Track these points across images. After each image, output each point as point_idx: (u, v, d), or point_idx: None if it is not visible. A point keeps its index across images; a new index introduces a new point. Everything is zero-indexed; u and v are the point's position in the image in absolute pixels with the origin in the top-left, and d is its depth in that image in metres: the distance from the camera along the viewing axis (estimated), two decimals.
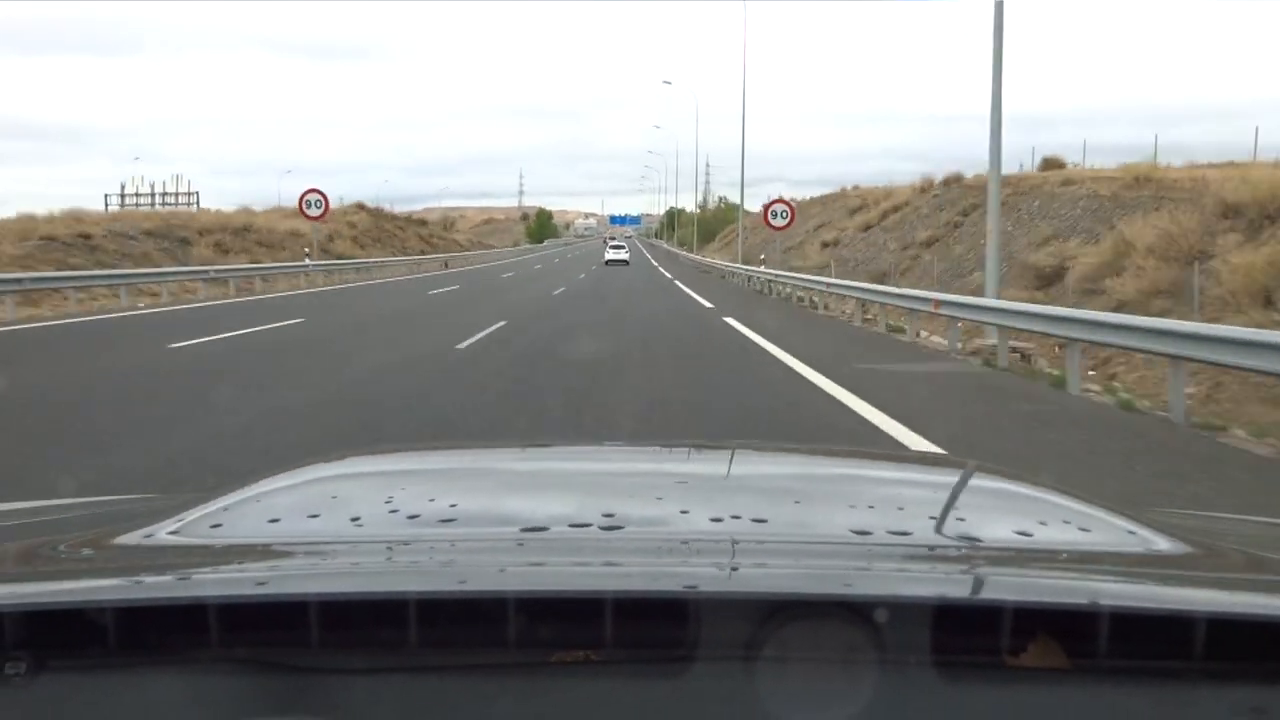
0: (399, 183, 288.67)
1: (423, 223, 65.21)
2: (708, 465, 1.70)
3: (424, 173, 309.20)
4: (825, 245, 36.37)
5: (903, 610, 0.81)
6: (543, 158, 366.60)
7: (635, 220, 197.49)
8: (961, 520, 1.23)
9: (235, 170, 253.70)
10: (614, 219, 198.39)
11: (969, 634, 0.81)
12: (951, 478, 1.59)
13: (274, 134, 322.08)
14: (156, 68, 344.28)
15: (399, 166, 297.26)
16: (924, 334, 15.05)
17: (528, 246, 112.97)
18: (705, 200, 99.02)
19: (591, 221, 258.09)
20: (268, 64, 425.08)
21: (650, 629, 0.81)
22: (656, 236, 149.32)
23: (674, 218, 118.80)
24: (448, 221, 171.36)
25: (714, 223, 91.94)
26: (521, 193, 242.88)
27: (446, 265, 49.94)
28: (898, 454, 3.08)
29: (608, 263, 56.23)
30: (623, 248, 63.03)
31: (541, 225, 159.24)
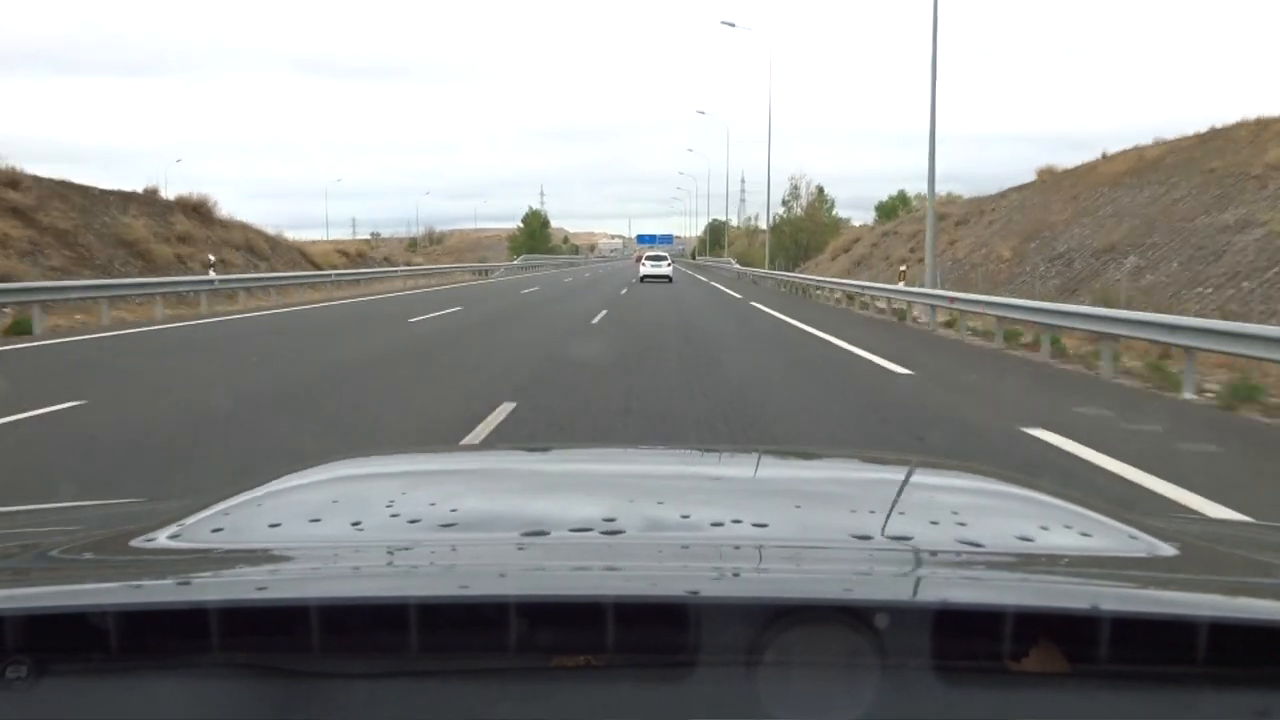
0: (431, 205, 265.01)
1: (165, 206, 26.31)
2: (708, 469, 1.70)
3: (455, 195, 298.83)
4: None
5: (904, 615, 0.81)
6: (572, 181, 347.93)
7: (667, 239, 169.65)
8: (963, 525, 1.21)
9: (265, 194, 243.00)
10: (642, 238, 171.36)
11: (970, 639, 0.81)
12: (953, 481, 1.59)
13: (304, 157, 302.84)
14: (187, 89, 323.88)
15: (431, 189, 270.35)
16: None
17: (492, 265, 62.56)
18: (795, 194, 63.45)
19: (617, 243, 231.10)
20: (298, 85, 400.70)
21: (651, 634, 0.81)
22: (693, 257, 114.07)
23: (718, 233, 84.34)
24: (434, 237, 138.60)
25: (813, 230, 56.54)
26: (544, 210, 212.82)
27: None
28: (898, 457, 2.93)
29: (644, 279, 43.36)
30: (664, 259, 48.31)
31: (531, 235, 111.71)
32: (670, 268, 46.48)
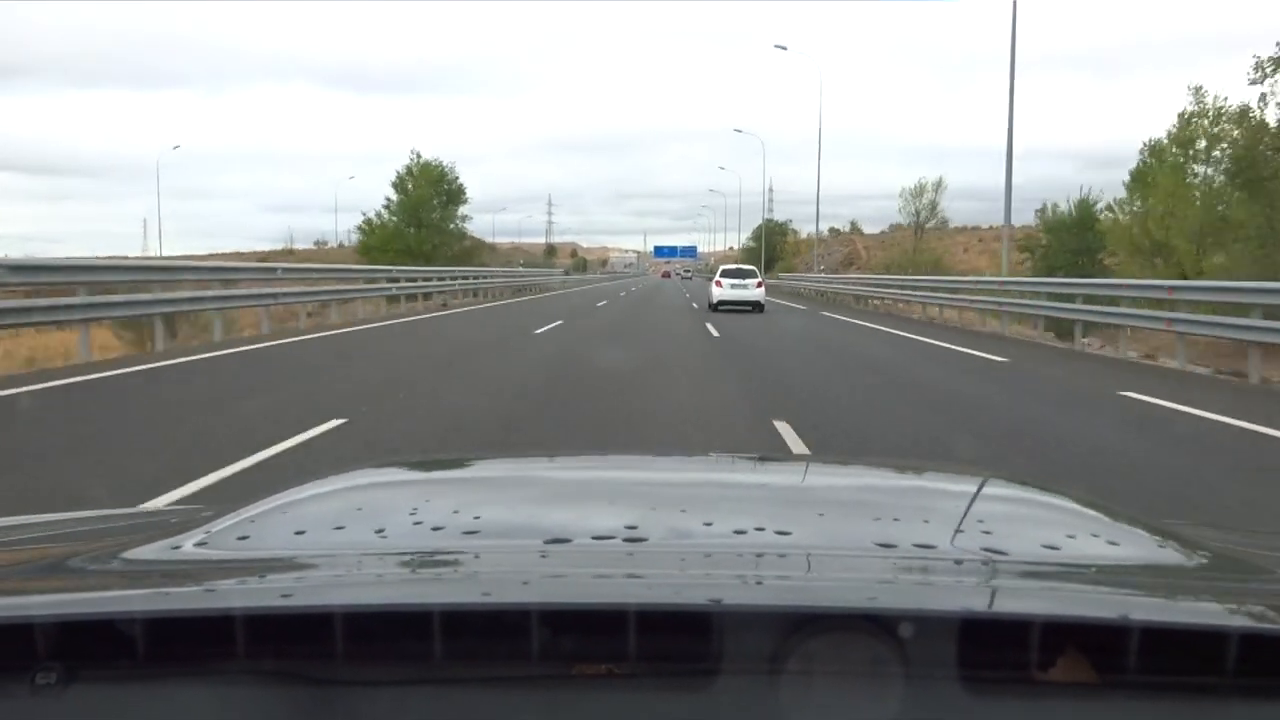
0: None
1: None
2: (731, 476, 1.68)
3: (472, 209, 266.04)
4: None
5: (928, 624, 0.80)
6: (588, 196, 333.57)
7: (690, 251, 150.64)
8: (988, 533, 1.20)
9: (282, 206, 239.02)
10: (660, 250, 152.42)
11: (995, 648, 0.80)
12: (977, 489, 1.55)
13: (321, 169, 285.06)
14: (203, 101, 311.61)
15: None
16: None
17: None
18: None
19: (632, 256, 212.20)
20: (316, 97, 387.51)
21: (673, 642, 0.80)
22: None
23: (773, 242, 63.92)
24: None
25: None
26: (550, 222, 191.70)
27: None
28: (922, 464, 2.81)
29: (718, 305, 28.26)
30: (751, 276, 30.44)
31: (415, 215, 47.65)
32: (761, 290, 29.83)
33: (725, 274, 30.85)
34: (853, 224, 68.13)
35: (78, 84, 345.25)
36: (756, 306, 28.60)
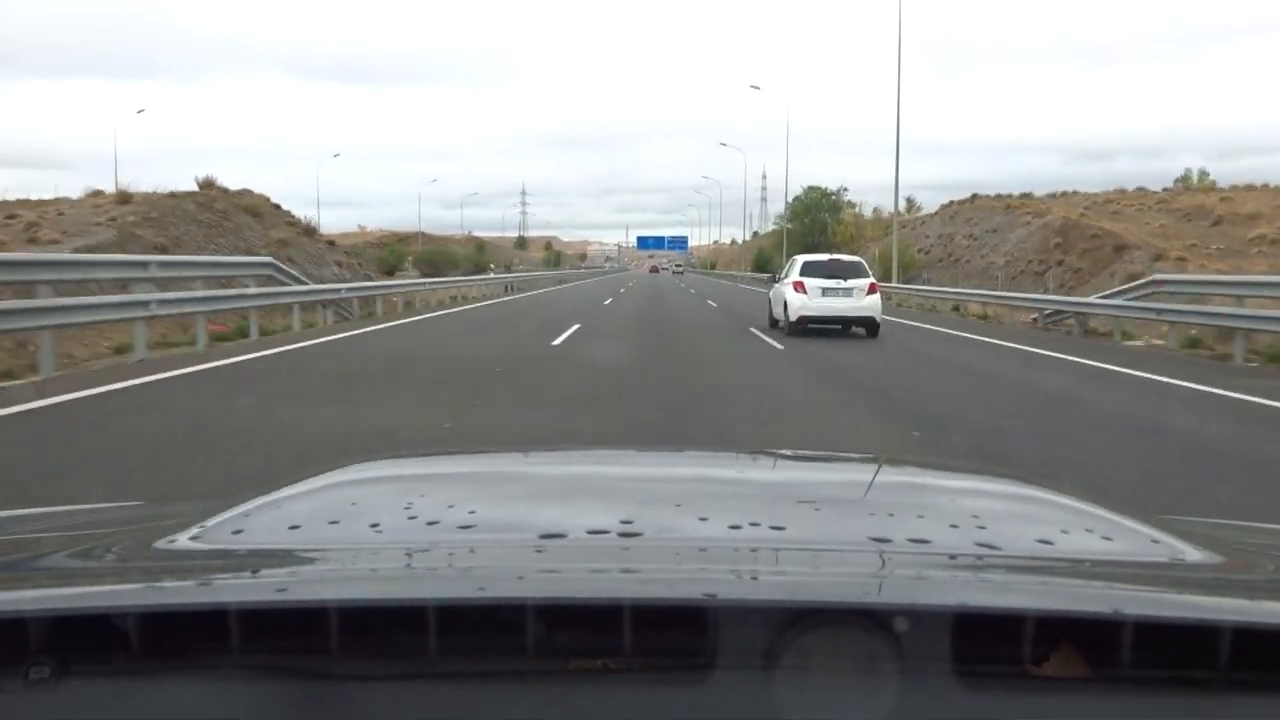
0: (431, 214, 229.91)
1: None
2: (726, 471, 1.68)
3: (454, 205, 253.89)
4: None
5: (923, 618, 0.80)
6: (572, 191, 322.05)
7: (679, 243, 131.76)
8: (982, 528, 1.20)
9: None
10: (644, 241, 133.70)
11: (990, 643, 0.81)
12: (971, 484, 1.57)
13: (300, 162, 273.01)
14: (177, 92, 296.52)
15: (430, 198, 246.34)
16: None
17: None
18: None
19: (612, 249, 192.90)
20: (293, 89, 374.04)
21: (668, 637, 0.81)
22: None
23: (820, 223, 43.40)
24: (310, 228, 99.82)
25: None
26: (524, 214, 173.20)
27: None
28: (916, 460, 2.94)
29: (798, 324, 16.93)
30: (860, 274, 17.57)
31: None
32: (874, 299, 17.31)
33: (811, 270, 17.62)
34: (909, 200, 50.50)
35: (43, 74, 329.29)
36: (867, 326, 17.35)
